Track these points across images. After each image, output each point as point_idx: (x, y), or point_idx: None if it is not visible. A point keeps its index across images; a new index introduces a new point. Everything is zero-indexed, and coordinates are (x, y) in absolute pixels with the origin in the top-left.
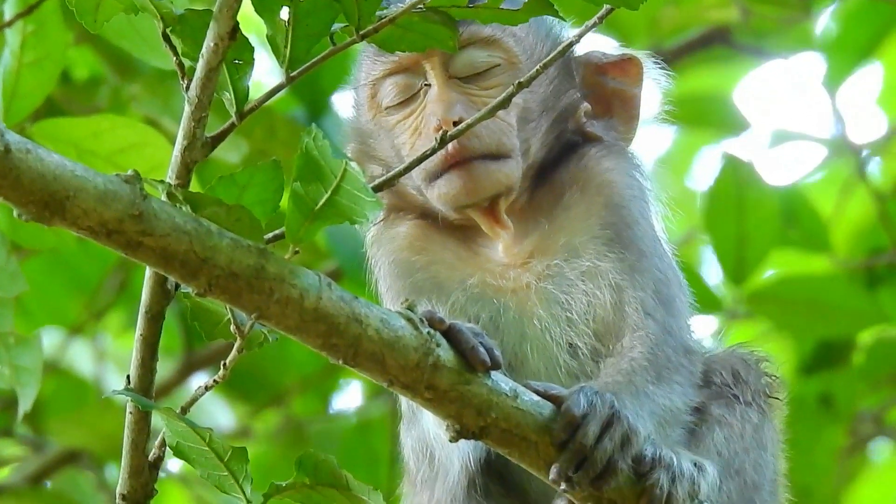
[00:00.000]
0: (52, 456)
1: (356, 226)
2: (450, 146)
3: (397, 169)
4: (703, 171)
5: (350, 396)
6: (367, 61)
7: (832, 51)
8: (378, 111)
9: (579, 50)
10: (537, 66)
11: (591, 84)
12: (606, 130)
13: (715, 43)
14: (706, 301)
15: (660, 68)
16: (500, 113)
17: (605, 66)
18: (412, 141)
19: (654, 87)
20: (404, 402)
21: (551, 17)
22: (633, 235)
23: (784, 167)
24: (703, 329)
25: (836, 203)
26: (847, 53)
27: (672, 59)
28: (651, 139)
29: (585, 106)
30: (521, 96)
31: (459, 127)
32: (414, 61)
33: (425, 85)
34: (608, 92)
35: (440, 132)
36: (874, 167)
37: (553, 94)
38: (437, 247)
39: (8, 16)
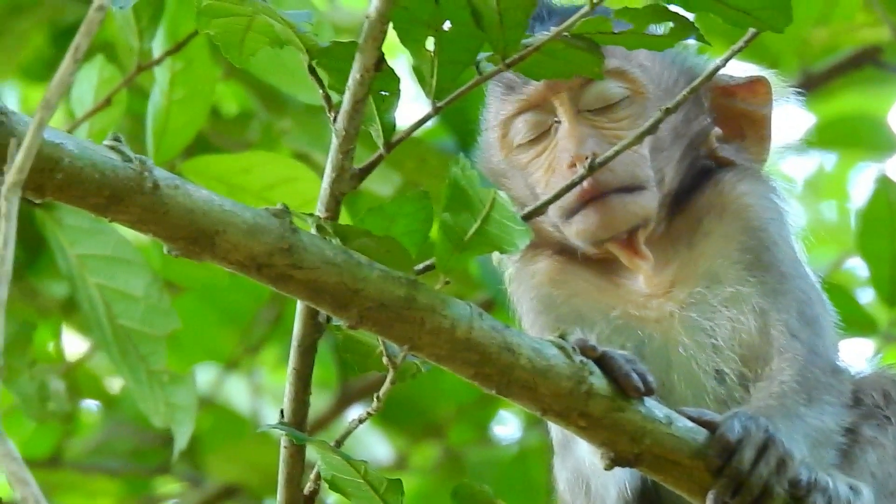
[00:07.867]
0: (210, 492)
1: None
2: (585, 182)
3: (542, 201)
4: (859, 193)
5: (508, 426)
6: (496, 101)
7: None
8: (510, 150)
9: None
10: (683, 92)
11: (720, 108)
12: (739, 154)
13: (865, 64)
14: (861, 323)
15: (789, 86)
16: None
17: (732, 88)
18: (546, 178)
19: (785, 107)
20: (556, 433)
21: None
22: (773, 258)
23: None
24: (858, 352)
25: None
26: None
27: (822, 81)
28: (797, 161)
29: (717, 130)
30: None
31: (606, 154)
32: (542, 98)
33: (555, 122)
34: (737, 114)
35: (588, 160)
36: None
37: (683, 121)
38: (577, 280)
39: (156, 54)
